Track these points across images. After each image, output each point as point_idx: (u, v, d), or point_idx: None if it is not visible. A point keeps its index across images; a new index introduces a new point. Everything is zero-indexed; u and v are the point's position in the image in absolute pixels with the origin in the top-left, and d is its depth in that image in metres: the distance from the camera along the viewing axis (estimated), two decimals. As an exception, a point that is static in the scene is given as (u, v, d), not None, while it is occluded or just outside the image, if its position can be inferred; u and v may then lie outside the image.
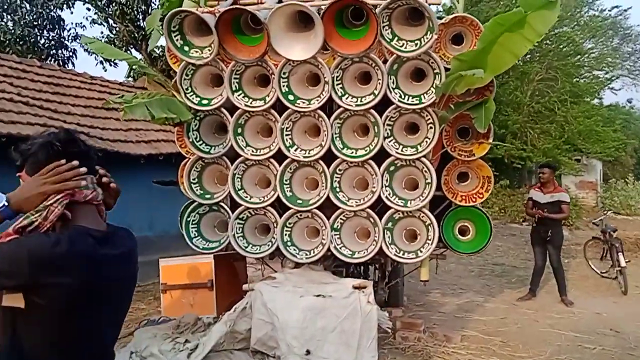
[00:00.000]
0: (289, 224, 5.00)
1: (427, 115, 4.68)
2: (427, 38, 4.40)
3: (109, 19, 14.30)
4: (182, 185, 5.24)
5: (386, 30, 4.48)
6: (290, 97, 4.78)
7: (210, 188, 5.27)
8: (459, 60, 4.49)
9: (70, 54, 15.18)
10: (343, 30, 4.59)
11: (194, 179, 5.20)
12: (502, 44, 4.33)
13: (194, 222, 5.24)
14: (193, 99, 4.99)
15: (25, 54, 13.10)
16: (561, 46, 20.37)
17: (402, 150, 4.73)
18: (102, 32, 16.96)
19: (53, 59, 14.76)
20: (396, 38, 4.51)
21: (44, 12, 13.99)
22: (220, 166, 5.23)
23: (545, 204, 7.77)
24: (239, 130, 4.98)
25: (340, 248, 4.91)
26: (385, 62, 4.66)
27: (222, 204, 5.15)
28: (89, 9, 14.50)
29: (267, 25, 4.42)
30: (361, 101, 4.69)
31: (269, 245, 5.09)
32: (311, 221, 5.04)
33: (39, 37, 14.63)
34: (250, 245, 5.12)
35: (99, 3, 14.03)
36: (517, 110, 19.47)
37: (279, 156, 4.96)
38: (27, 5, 13.95)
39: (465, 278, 9.57)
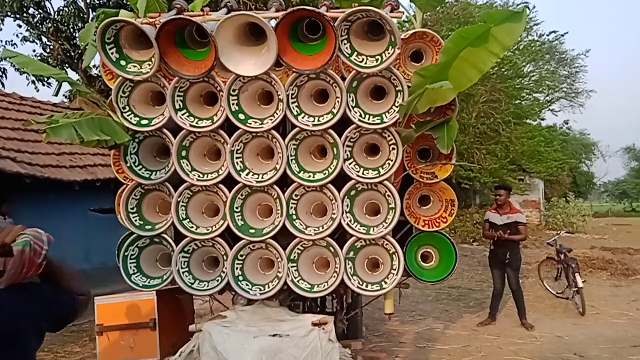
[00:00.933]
0: (241, 256, 4.53)
1: (389, 136, 4.36)
2: (388, 53, 4.10)
3: (42, 37, 13.41)
4: (119, 215, 4.67)
5: (345, 44, 4.15)
6: (241, 117, 4.35)
7: (151, 218, 4.73)
8: (420, 76, 4.21)
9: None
10: (298, 45, 4.23)
11: (132, 208, 4.65)
12: (466, 59, 4.09)
13: (132, 257, 4.66)
14: (131, 118, 4.47)
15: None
16: (504, 69, 20.99)
17: (363, 173, 4.38)
18: (34, 50, 15.95)
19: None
20: (355, 53, 4.18)
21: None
22: (162, 193, 4.70)
23: (502, 225, 7.65)
24: (183, 153, 4.50)
25: (298, 281, 4.48)
26: (343, 79, 4.33)
27: (164, 235, 4.61)
28: (20, 26, 13.58)
29: (214, 38, 3.99)
30: (318, 120, 4.32)
31: (218, 280, 4.58)
32: (265, 252, 4.58)
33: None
34: (197, 282, 4.60)
35: (32, 20, 13.16)
36: (464, 132, 19.78)
37: (229, 181, 4.51)
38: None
39: (423, 303, 9.30)
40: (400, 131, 4.30)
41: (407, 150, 4.79)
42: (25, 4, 12.46)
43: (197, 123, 4.42)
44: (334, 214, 4.43)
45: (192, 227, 4.54)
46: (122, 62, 4.30)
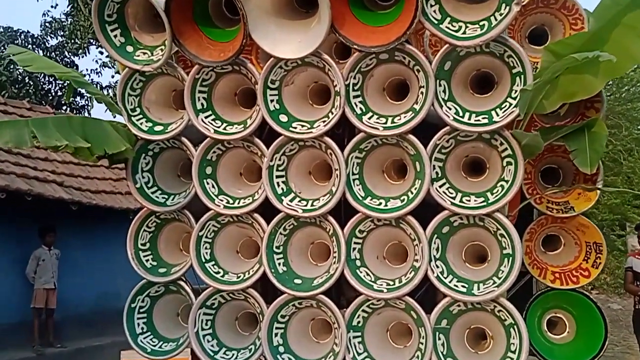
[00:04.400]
0: (282, 317, 3.18)
1: (501, 144, 2.87)
2: (499, 15, 2.67)
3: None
4: (129, 253, 3.52)
5: (432, 6, 2.78)
6: (283, 118, 3.08)
7: (170, 257, 3.54)
8: (553, 53, 2.72)
9: (86, 101, 14.19)
10: (362, 13, 2.94)
11: (143, 244, 3.49)
12: (633, 26, 2.60)
13: (142, 310, 3.47)
14: (141, 124, 3.34)
15: (35, 101, 12.09)
16: (623, 90, 18.32)
17: (461, 201, 2.90)
18: (113, 76, 16.04)
19: (67, 107, 13.74)
20: (448, 19, 2.79)
21: (57, 58, 13.08)
22: (185, 225, 3.50)
23: (651, 275, 5.70)
24: (208, 170, 3.28)
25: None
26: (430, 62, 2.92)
27: (181, 282, 3.39)
28: (101, 52, 13.58)
29: (241, 6, 2.80)
30: (393, 122, 2.93)
31: (251, 350, 3.26)
32: (317, 312, 3.20)
33: (51, 84, 13.74)
34: (223, 350, 3.30)
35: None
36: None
37: (269, 210, 3.22)
38: (40, 52, 13.11)
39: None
40: (521, 136, 2.79)
41: (526, 169, 3.25)
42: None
43: (225, 129, 3.20)
44: (416, 260, 2.98)
45: (217, 272, 3.29)
46: (129, 49, 3.22)
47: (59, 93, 13.84)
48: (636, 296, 5.82)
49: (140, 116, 3.36)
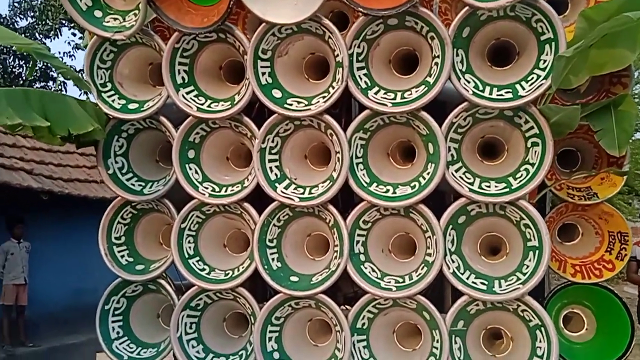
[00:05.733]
0: (277, 319, 2.82)
1: (525, 122, 2.52)
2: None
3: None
4: (102, 248, 3.11)
5: (449, -37, 2.41)
6: (276, 94, 2.69)
7: (149, 253, 3.15)
8: (587, 20, 2.37)
9: (59, 87, 13.49)
10: (368, -28, 2.54)
11: (118, 238, 3.08)
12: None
13: (117, 312, 3.08)
14: (113, 101, 2.93)
15: (3, 85, 11.42)
16: None
17: (481, 187, 2.56)
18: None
19: (38, 92, 13.02)
20: (467, -22, 2.42)
21: (27, 40, 12.36)
22: (165, 216, 3.11)
23: (655, 264, 5.47)
24: (191, 154, 2.89)
25: (369, 365, 2.71)
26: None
27: (160, 280, 3.00)
28: (74, 34, 12.89)
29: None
30: (403, 97, 2.57)
31: (242, 356, 2.90)
32: (316, 313, 2.85)
33: (22, 68, 13.01)
34: (211, 356, 2.93)
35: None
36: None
37: (259, 199, 2.84)
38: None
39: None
40: (551, 112, 2.44)
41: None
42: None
43: (209, 106, 2.80)
44: (429, 254, 2.64)
45: (202, 269, 2.91)
46: (97, 13, 2.80)
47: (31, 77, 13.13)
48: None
49: (112, 92, 2.94)
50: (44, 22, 13.00)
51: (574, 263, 3.15)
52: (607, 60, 2.56)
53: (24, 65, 13.27)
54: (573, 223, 3.28)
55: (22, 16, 13.44)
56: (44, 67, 13.25)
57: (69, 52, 13.60)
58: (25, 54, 12.44)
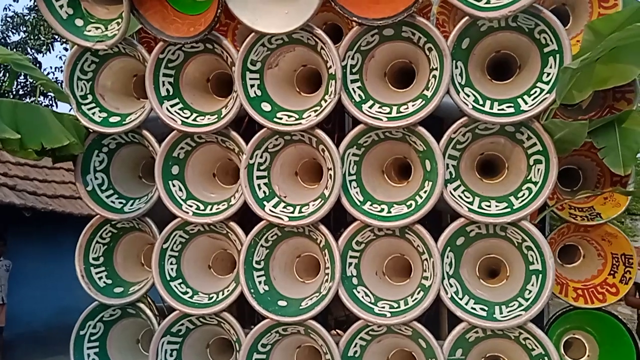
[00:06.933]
0: (263, 346, 2.64)
1: (528, 138, 2.40)
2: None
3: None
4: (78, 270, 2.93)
5: (447, -29, 2.31)
6: (265, 107, 2.55)
7: (128, 275, 2.97)
8: (594, 32, 2.26)
9: (50, 101, 13.33)
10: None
11: (96, 258, 2.91)
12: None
13: (92, 338, 2.89)
14: (94, 114, 2.78)
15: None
16: None
17: (480, 207, 2.42)
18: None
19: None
20: (467, -13, 2.31)
21: (18, 55, 12.22)
22: (146, 235, 2.94)
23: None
24: (175, 170, 2.73)
25: (361, 398, 2.53)
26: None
27: (140, 304, 2.82)
28: (66, 49, 12.76)
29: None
30: (399, 111, 2.43)
31: (224, 386, 2.72)
32: (304, 340, 2.68)
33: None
34: (191, 385, 2.74)
35: (80, 43, 12.31)
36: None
37: (248, 217, 2.69)
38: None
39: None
40: (555, 128, 2.32)
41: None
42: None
43: (195, 120, 2.66)
44: (425, 278, 2.48)
45: (185, 292, 2.74)
46: (78, 22, 2.66)
47: (16, 88, 12.97)
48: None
49: (93, 105, 2.80)
50: (36, 37, 12.89)
51: (575, 287, 3.02)
52: (611, 74, 2.45)
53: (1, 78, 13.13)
54: (574, 244, 3.16)
55: (14, 31, 13.35)
56: (34, 81, 13.11)
57: (61, 67, 13.45)
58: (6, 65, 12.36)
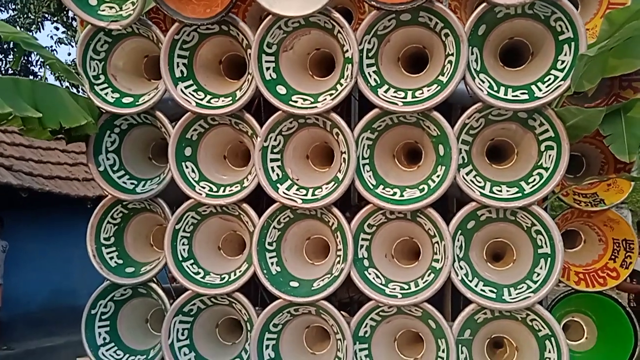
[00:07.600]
0: (275, 325, 2.69)
1: (540, 125, 2.44)
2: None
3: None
4: (90, 249, 2.94)
5: (466, -42, 2.33)
6: (280, 90, 2.57)
7: (139, 255, 2.99)
8: (611, 22, 2.30)
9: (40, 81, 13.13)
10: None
11: (107, 238, 2.93)
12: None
13: (104, 317, 2.92)
14: (106, 94, 2.77)
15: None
16: None
17: (492, 191, 2.47)
18: (69, 54, 15.03)
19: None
20: (485, -27, 2.33)
21: (7, 33, 11.98)
22: (157, 216, 2.96)
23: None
24: (187, 151, 2.75)
25: (371, 376, 2.59)
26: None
27: (151, 284, 2.85)
28: (57, 28, 12.57)
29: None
30: (414, 96, 2.47)
31: (236, 364, 2.77)
32: (315, 319, 2.73)
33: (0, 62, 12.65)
34: (203, 364, 2.79)
35: (71, 22, 12.10)
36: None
37: (260, 199, 2.72)
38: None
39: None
40: (568, 115, 2.37)
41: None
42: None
43: (209, 102, 2.67)
44: (436, 260, 2.54)
45: (197, 273, 2.77)
46: (92, 2, 2.65)
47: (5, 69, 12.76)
48: (632, 295, 5.57)
49: (105, 85, 2.79)
50: (25, 15, 12.65)
51: (577, 271, 3.09)
52: (619, 62, 2.50)
53: (2, 58, 12.91)
54: (575, 229, 3.24)
55: (2, 9, 13.10)
56: (24, 61, 12.90)
57: (51, 46, 13.24)
58: (5, 45, 12.07)
